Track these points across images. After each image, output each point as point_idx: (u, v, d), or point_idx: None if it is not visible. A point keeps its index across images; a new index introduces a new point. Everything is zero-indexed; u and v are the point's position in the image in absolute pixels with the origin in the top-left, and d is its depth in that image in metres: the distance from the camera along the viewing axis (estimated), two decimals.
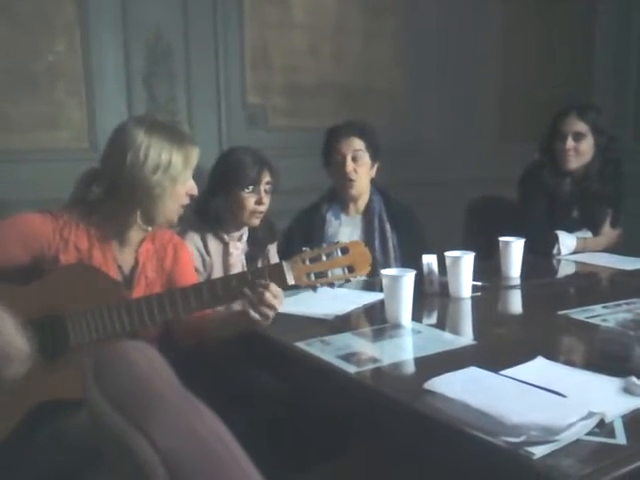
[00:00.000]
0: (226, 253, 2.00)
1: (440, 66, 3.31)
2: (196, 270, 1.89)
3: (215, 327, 1.57)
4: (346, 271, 1.46)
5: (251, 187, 1.95)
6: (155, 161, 1.46)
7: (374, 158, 2.25)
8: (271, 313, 1.42)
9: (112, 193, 1.52)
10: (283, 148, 2.71)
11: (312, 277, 1.45)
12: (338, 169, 2.21)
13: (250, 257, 2.06)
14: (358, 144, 2.21)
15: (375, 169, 2.28)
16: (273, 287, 1.42)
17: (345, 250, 1.46)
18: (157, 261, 1.62)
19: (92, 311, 1.40)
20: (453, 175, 3.25)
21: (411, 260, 1.95)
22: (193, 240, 1.96)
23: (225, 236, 2.01)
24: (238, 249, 2.03)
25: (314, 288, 1.46)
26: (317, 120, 3.00)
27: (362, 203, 2.29)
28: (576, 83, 3.81)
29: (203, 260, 1.97)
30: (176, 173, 1.49)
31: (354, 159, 2.19)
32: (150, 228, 1.57)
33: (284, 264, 1.45)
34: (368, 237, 2.24)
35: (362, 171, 2.21)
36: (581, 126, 2.47)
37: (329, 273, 1.46)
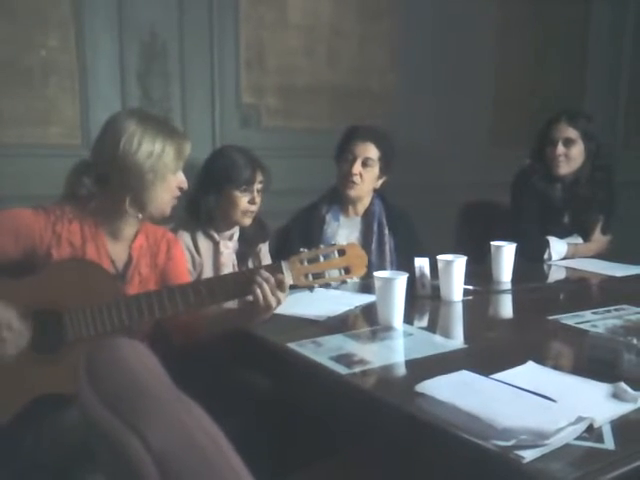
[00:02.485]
0: (217, 252, 1.99)
1: (435, 70, 3.32)
2: None
3: (209, 323, 1.58)
4: (342, 272, 1.48)
5: (245, 187, 1.95)
6: (149, 147, 1.47)
7: (384, 171, 2.25)
8: (275, 303, 1.44)
9: (103, 183, 1.52)
10: (276, 149, 2.70)
11: (310, 277, 1.48)
12: (345, 167, 2.22)
13: (241, 256, 2.06)
14: (373, 152, 2.21)
15: (381, 182, 2.28)
16: (279, 276, 1.44)
17: (342, 252, 1.49)
18: (151, 257, 1.62)
19: (90, 306, 1.40)
20: (446, 179, 3.26)
21: (407, 264, 1.95)
22: (183, 239, 1.95)
23: (216, 235, 2.00)
24: (229, 248, 2.02)
25: (311, 288, 1.48)
26: (310, 122, 3.00)
27: (362, 206, 2.30)
28: (568, 90, 3.84)
29: (193, 260, 1.96)
30: (168, 161, 1.50)
31: (364, 164, 2.20)
32: (140, 215, 1.55)
33: (283, 264, 1.47)
34: (365, 240, 2.25)
35: (367, 178, 2.21)
36: (571, 132, 2.49)
37: (326, 274, 1.47)
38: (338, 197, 2.28)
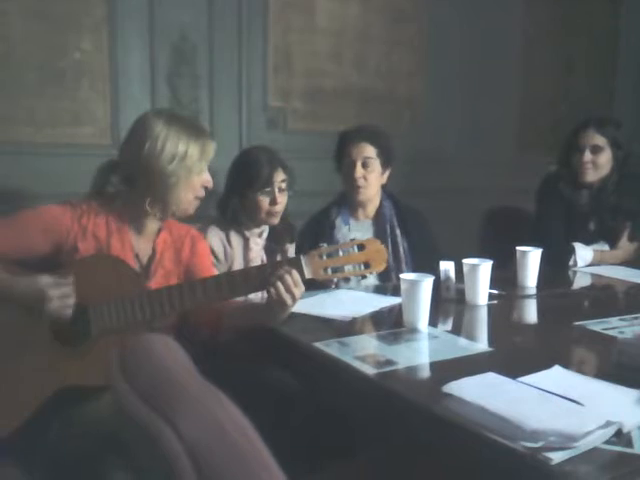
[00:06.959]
0: (247, 248, 2.02)
1: (461, 75, 3.32)
2: (217, 259, 1.93)
3: (232, 317, 1.60)
4: (362, 267, 1.48)
5: (264, 188, 1.97)
6: (172, 151, 1.50)
7: (385, 165, 2.23)
8: (290, 301, 1.45)
9: (130, 182, 1.55)
10: (301, 151, 2.72)
11: (329, 271, 1.48)
12: (348, 174, 2.21)
13: (270, 253, 2.08)
14: (369, 151, 2.19)
15: (386, 175, 2.26)
16: (295, 274, 1.44)
17: (361, 247, 1.49)
18: (174, 252, 1.65)
19: (114, 300, 1.43)
20: (471, 183, 3.25)
21: (422, 265, 1.94)
22: (216, 232, 1.99)
23: (246, 232, 2.03)
24: (258, 245, 2.05)
25: (331, 282, 1.49)
26: (336, 125, 3.00)
27: (372, 208, 2.28)
28: (597, 96, 3.80)
29: (225, 250, 1.99)
30: (191, 164, 1.52)
31: (364, 165, 2.18)
32: (159, 215, 1.59)
33: (302, 258, 1.48)
34: None
35: (372, 178, 2.20)
36: (599, 139, 2.47)
37: (345, 269, 1.48)
38: (347, 201, 2.27)
